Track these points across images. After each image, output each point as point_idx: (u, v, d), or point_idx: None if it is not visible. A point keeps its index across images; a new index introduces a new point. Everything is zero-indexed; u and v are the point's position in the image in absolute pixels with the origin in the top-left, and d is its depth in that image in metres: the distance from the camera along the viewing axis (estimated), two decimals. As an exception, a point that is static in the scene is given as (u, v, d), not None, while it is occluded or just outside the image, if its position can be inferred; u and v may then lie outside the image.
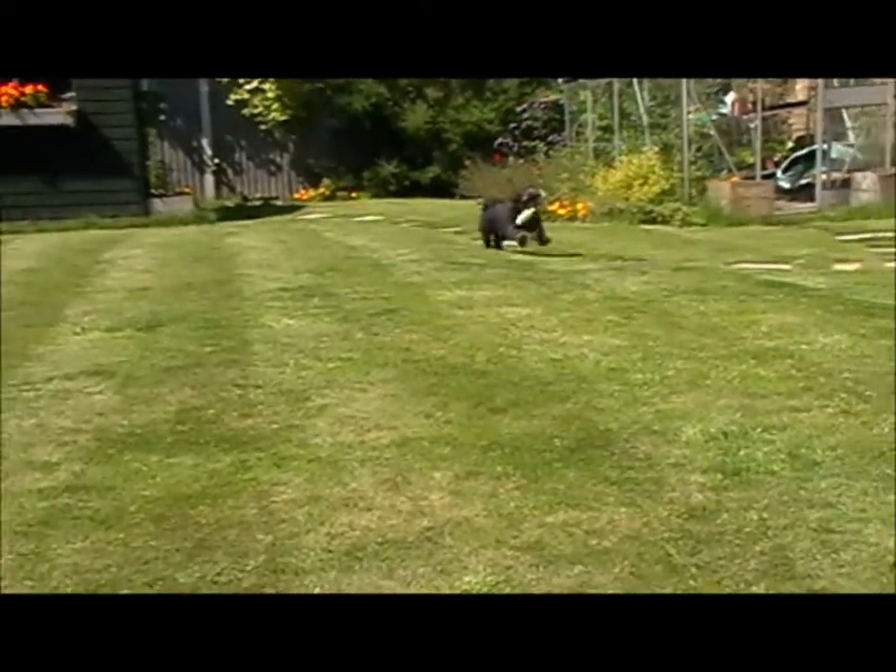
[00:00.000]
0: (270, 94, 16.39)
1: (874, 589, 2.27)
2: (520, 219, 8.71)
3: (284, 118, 16.54)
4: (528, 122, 15.38)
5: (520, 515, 2.79)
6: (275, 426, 3.75)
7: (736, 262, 7.80)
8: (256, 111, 16.56)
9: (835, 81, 11.79)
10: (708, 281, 6.71)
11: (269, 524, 2.80)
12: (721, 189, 11.49)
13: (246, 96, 16.45)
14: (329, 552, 2.60)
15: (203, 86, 16.55)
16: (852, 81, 11.74)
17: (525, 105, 15.56)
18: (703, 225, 10.94)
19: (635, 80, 12.71)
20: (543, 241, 8.81)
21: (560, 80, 14.68)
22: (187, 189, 15.29)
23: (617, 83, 12.89)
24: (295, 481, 3.15)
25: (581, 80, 13.68)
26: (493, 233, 9.28)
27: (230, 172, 17.32)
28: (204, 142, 17.01)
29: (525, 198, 8.82)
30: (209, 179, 17.10)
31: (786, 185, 12.36)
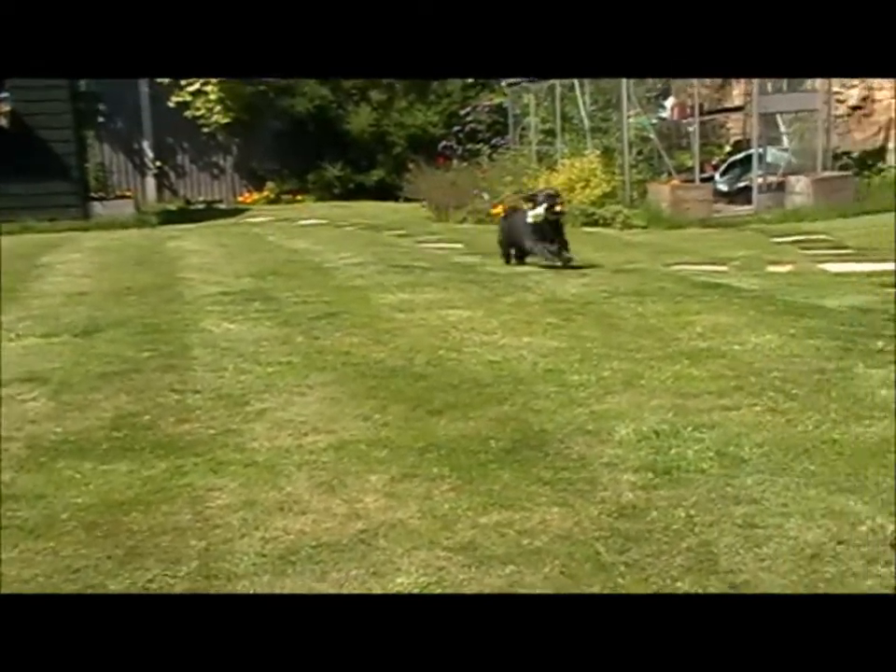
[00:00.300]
0: (212, 96, 16.29)
1: (792, 580, 2.34)
2: (531, 216, 7.67)
3: (227, 120, 16.45)
4: (472, 125, 15.48)
5: (454, 516, 2.82)
6: (213, 431, 3.73)
7: (675, 264, 7.93)
8: (198, 113, 16.42)
9: (769, 87, 12.04)
10: (647, 283, 6.82)
11: (203, 529, 2.79)
12: (662, 192, 11.68)
13: (188, 98, 16.31)
14: (263, 556, 2.61)
15: (144, 87, 16.38)
16: (785, 87, 12.00)
17: (468, 109, 15.65)
18: (644, 227, 11.11)
19: (576, 84, 12.85)
20: (563, 257, 7.54)
21: (504, 83, 14.79)
22: (128, 193, 15.12)
23: (559, 86, 13.02)
24: (231, 486, 3.14)
25: (523, 83, 13.78)
26: (513, 247, 8.16)
27: (172, 175, 17.17)
28: (145, 144, 16.84)
29: (540, 199, 7.80)
30: (150, 182, 16.93)
31: (724, 188, 12.59)
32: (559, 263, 7.54)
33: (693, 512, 2.76)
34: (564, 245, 7.64)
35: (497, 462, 3.25)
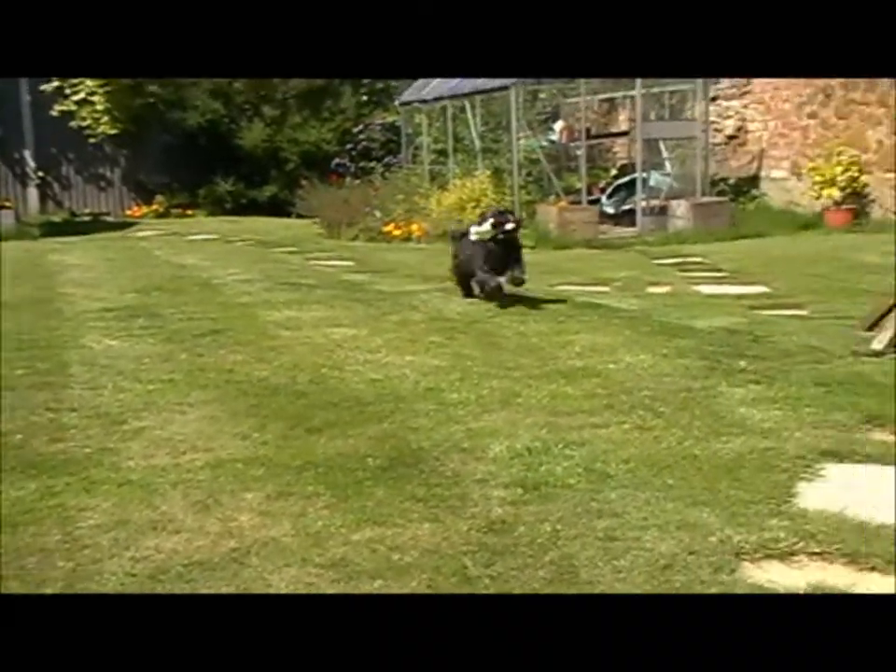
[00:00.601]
0: (99, 107, 15.93)
1: (645, 590, 2.46)
2: (473, 233, 6.71)
3: (114, 131, 16.10)
4: (365, 143, 15.55)
5: (327, 534, 2.86)
6: (88, 450, 3.69)
7: (560, 284, 8.14)
8: (84, 123, 16.03)
9: (653, 115, 12.49)
10: (531, 302, 6.96)
11: (71, 550, 2.76)
12: (550, 213, 11.96)
13: (73, 108, 15.91)
14: (133, 575, 2.60)
15: (25, 95, 15.91)
16: (667, 115, 12.48)
17: (361, 126, 15.73)
18: (532, 247, 11.30)
19: (467, 105, 13.06)
20: (514, 277, 6.64)
21: (396, 102, 14.93)
22: (7, 203, 14.64)
23: (450, 107, 13.22)
24: (103, 505, 3.12)
25: (415, 104, 13.94)
26: (467, 276, 6.98)
27: (56, 186, 16.70)
28: (27, 153, 16.33)
29: (487, 216, 6.86)
30: (33, 193, 16.44)
31: (610, 210, 12.97)
32: (515, 286, 6.65)
33: (558, 527, 2.87)
34: (517, 264, 6.66)
35: (372, 480, 3.31)
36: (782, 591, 2.46)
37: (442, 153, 13.78)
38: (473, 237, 6.67)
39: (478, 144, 13.12)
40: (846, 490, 3.17)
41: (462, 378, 4.68)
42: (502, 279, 6.62)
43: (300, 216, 14.46)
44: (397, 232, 12.14)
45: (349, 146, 15.77)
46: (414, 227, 12.10)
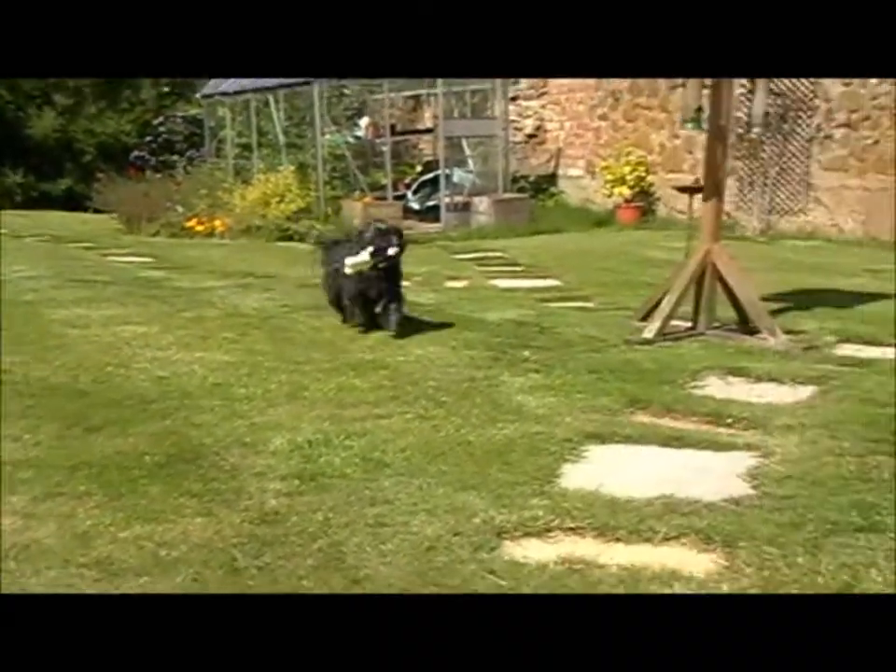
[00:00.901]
0: None
1: (408, 572, 2.56)
2: (349, 266, 5.35)
3: None
4: (166, 136, 15.12)
5: (94, 533, 2.81)
6: None
7: (360, 279, 8.21)
8: None
9: (455, 113, 12.79)
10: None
11: None
12: (355, 209, 12.03)
13: None
14: None
15: None
16: (469, 114, 12.81)
17: (161, 118, 15.27)
18: (337, 243, 11.37)
19: (271, 100, 12.95)
20: (390, 319, 5.37)
21: (198, 94, 14.59)
22: None
23: (253, 101, 13.06)
24: None
25: (217, 97, 13.69)
26: (338, 299, 5.73)
27: None
28: None
29: (367, 237, 5.42)
30: None
31: (415, 206, 13.18)
32: (391, 330, 5.33)
33: (330, 515, 2.94)
34: (394, 301, 5.38)
35: (148, 477, 3.27)
36: (534, 565, 2.62)
37: (247, 147, 13.59)
38: (348, 270, 5.32)
39: (282, 139, 13.03)
40: (604, 469, 3.39)
41: (251, 373, 4.67)
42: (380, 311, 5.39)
43: (97, 210, 13.91)
44: (199, 228, 11.90)
45: (149, 138, 15.30)
46: (218, 222, 11.89)
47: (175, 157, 14.33)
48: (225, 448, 3.58)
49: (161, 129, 15.20)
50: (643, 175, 12.27)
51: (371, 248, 5.30)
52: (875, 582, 2.50)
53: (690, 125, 5.74)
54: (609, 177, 12.40)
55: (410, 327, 5.53)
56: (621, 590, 2.47)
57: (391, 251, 5.34)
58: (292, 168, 12.28)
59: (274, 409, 4.09)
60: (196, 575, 2.54)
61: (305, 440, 3.63)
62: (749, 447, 3.61)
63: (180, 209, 12.38)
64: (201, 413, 4.03)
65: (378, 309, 5.41)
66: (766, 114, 10.34)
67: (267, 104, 13.01)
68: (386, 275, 5.39)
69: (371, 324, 5.48)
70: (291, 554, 2.67)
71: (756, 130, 9.87)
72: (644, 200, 12.43)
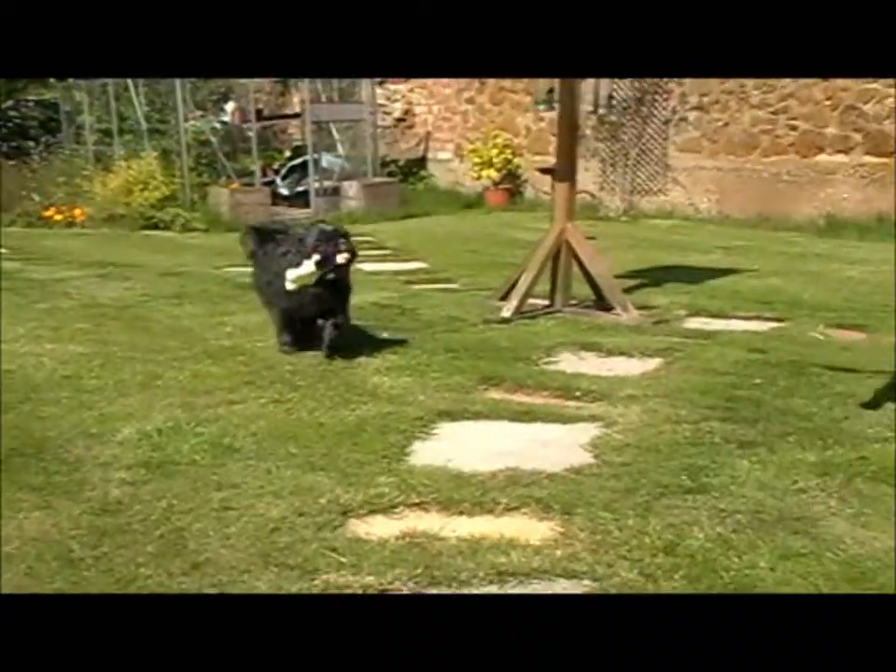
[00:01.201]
0: None
1: (250, 553, 2.57)
2: (290, 280, 4.56)
3: None
4: (19, 121, 14.48)
5: (-77, 532, 2.72)
6: None
7: (225, 266, 8.09)
8: None
9: (323, 97, 12.68)
10: (190, 285, 6.90)
11: None
12: (222, 196, 11.81)
13: None
14: None
15: None
16: (337, 98, 12.73)
17: (12, 102, 14.62)
18: (205, 230, 11.15)
19: (131, 84, 12.57)
20: (331, 341, 4.58)
21: (53, 79, 14.03)
22: None
23: (112, 85, 12.64)
24: None
25: (73, 80, 13.19)
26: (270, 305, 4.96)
27: None
28: None
29: (310, 242, 4.54)
30: None
31: (285, 192, 13.02)
32: (322, 350, 4.60)
33: (174, 502, 2.91)
34: (342, 315, 4.64)
35: (-15, 473, 3.17)
36: (376, 541, 2.67)
37: (107, 133, 13.14)
38: (290, 286, 4.56)
39: (144, 124, 12.66)
40: (453, 445, 3.47)
41: (104, 364, 4.57)
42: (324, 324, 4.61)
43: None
44: (58, 217, 11.46)
45: (-1, 123, 14.62)
46: (77, 211, 11.48)
47: (31, 143, 13.73)
48: (70, 440, 3.50)
49: (13, 113, 14.54)
50: (510, 157, 12.44)
51: (316, 257, 4.48)
52: (696, 539, 2.65)
53: (541, 106, 5.88)
54: (477, 160, 12.53)
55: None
56: (459, 561, 2.54)
57: (340, 259, 4.52)
58: (155, 155, 11.95)
59: (125, 399, 4.01)
60: (29, 569, 2.48)
61: (155, 428, 3.59)
62: (593, 418, 3.75)
63: (37, 198, 11.89)
64: (47, 406, 3.92)
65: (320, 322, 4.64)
66: (610, 97, 10.65)
67: (126, 88, 12.60)
68: (333, 289, 4.58)
69: (303, 343, 4.74)
70: (132, 542, 2.64)
71: (601, 111, 10.13)
72: (512, 182, 12.61)
